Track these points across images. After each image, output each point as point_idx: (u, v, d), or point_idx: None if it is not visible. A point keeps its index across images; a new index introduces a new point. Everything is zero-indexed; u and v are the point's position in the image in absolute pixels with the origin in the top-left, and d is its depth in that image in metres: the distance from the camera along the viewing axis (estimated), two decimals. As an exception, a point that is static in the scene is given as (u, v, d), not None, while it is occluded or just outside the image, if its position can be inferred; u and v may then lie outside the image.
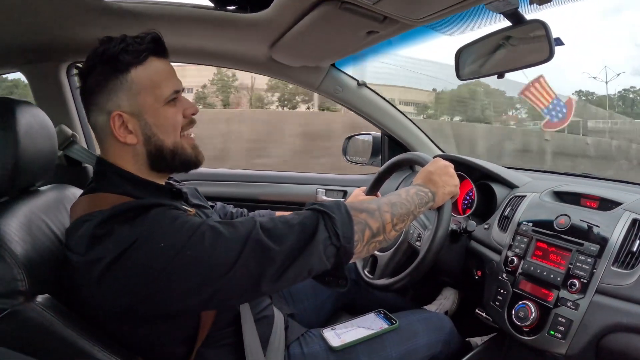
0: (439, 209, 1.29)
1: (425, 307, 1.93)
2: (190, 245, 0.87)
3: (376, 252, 1.61)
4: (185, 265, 0.86)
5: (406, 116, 2.27)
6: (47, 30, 1.55)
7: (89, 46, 1.43)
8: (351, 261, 1.03)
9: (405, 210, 1.12)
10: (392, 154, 2.14)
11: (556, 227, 1.30)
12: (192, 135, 1.14)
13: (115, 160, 1.05)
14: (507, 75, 1.28)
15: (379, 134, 2.39)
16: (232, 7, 1.47)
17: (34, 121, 1.07)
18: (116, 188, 1.02)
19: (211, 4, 1.47)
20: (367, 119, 2.27)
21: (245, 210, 1.65)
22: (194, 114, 1.12)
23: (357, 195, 1.67)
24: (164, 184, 1.14)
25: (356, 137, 2.52)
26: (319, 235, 0.95)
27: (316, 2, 1.22)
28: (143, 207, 0.92)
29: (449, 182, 1.28)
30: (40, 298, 0.88)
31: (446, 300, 1.97)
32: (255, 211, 1.65)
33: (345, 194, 2.35)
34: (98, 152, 1.13)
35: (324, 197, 2.35)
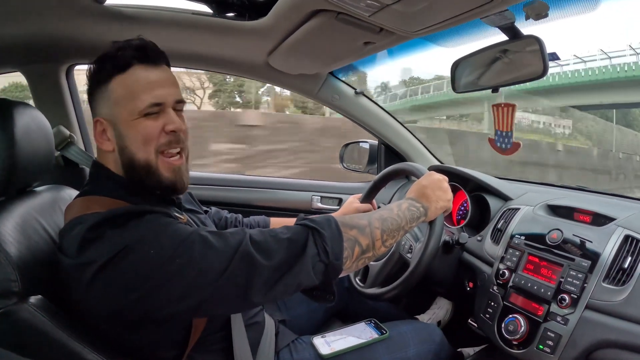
0: (431, 223, 1.29)
1: (418, 316, 1.93)
2: (180, 254, 0.88)
3: None
4: (174, 273, 0.87)
5: (403, 125, 2.28)
6: (47, 31, 1.56)
7: (89, 48, 1.44)
8: (340, 276, 1.04)
9: (395, 226, 1.12)
10: (389, 163, 2.15)
11: (548, 242, 1.30)
12: (173, 157, 1.06)
13: (106, 164, 1.07)
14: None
15: (375, 142, 2.40)
16: (230, 15, 1.48)
17: (31, 122, 1.08)
18: (110, 192, 1.03)
19: (210, 11, 1.48)
20: (364, 127, 2.28)
21: (239, 215, 1.64)
22: (173, 131, 1.04)
23: (351, 202, 1.67)
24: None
25: (353, 144, 2.52)
26: (308, 252, 0.96)
27: (313, 12, 1.23)
28: (135, 213, 0.92)
29: (442, 197, 1.27)
30: (33, 299, 0.89)
31: (439, 309, 1.97)
32: (250, 217, 1.65)
33: (340, 201, 2.35)
34: (96, 154, 1.14)
35: (319, 205, 2.36)
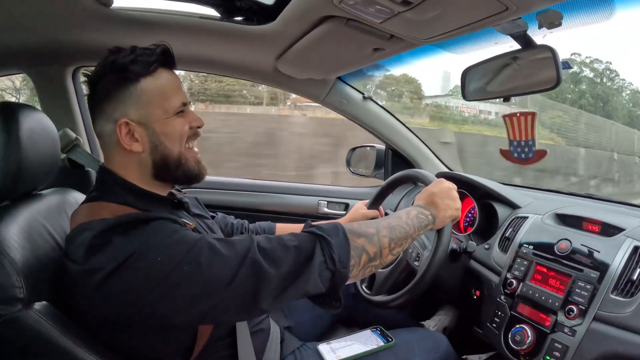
0: (439, 232, 1.28)
1: (423, 322, 1.91)
2: (187, 261, 0.87)
3: None
4: (181, 280, 0.86)
5: (411, 130, 2.27)
6: (54, 34, 1.56)
7: (95, 51, 1.43)
8: (346, 284, 1.03)
9: (403, 234, 1.12)
10: (396, 168, 2.14)
11: (557, 252, 1.29)
12: (195, 149, 1.14)
13: (119, 169, 1.06)
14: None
15: (382, 146, 2.39)
16: (238, 19, 1.48)
17: (37, 125, 1.07)
18: (117, 198, 1.02)
19: (218, 15, 1.48)
20: (372, 132, 2.27)
21: (246, 222, 1.64)
22: (199, 127, 1.12)
23: (358, 209, 1.66)
24: (165, 194, 1.14)
25: (360, 149, 2.52)
26: (315, 260, 0.95)
27: (322, 18, 1.23)
28: (142, 220, 0.92)
29: (451, 205, 1.27)
30: (38, 305, 0.88)
31: (445, 316, 1.95)
32: (255, 223, 1.65)
33: (347, 206, 2.35)
34: (102, 157, 1.14)
35: (326, 209, 2.35)
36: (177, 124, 1.06)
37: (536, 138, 1.38)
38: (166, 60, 1.07)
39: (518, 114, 1.35)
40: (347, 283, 1.03)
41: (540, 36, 1.18)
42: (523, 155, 1.40)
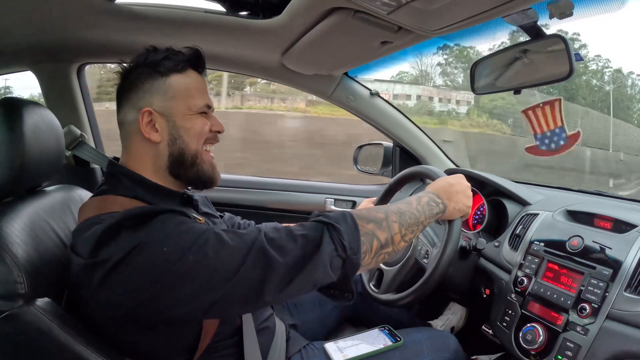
0: (449, 228, 1.26)
1: (431, 322, 1.90)
2: (193, 251, 0.87)
3: (382, 266, 1.58)
4: (187, 270, 0.86)
5: (419, 127, 2.26)
6: (58, 30, 1.56)
7: (100, 48, 1.43)
8: (359, 272, 1.02)
9: (414, 221, 1.11)
10: (404, 165, 2.13)
11: (569, 249, 1.27)
12: (212, 154, 1.16)
13: (133, 160, 1.08)
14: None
15: (390, 144, 2.38)
16: (244, 13, 1.47)
17: (41, 121, 1.07)
18: (127, 191, 1.03)
19: (223, 10, 1.47)
20: (379, 129, 2.25)
21: (252, 222, 1.65)
22: (218, 132, 1.15)
23: (366, 205, 1.65)
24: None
25: (367, 146, 2.51)
26: (324, 248, 0.94)
27: (329, 11, 1.22)
28: (152, 213, 0.92)
29: (464, 201, 1.26)
30: (39, 302, 0.87)
31: (453, 315, 1.94)
32: (262, 224, 1.64)
33: (354, 204, 2.34)
34: (106, 153, 1.14)
35: (333, 207, 2.35)
36: (198, 122, 1.09)
37: (565, 124, 1.36)
38: (197, 62, 1.13)
39: (541, 105, 1.33)
40: (359, 272, 1.02)
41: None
42: (553, 145, 1.38)
